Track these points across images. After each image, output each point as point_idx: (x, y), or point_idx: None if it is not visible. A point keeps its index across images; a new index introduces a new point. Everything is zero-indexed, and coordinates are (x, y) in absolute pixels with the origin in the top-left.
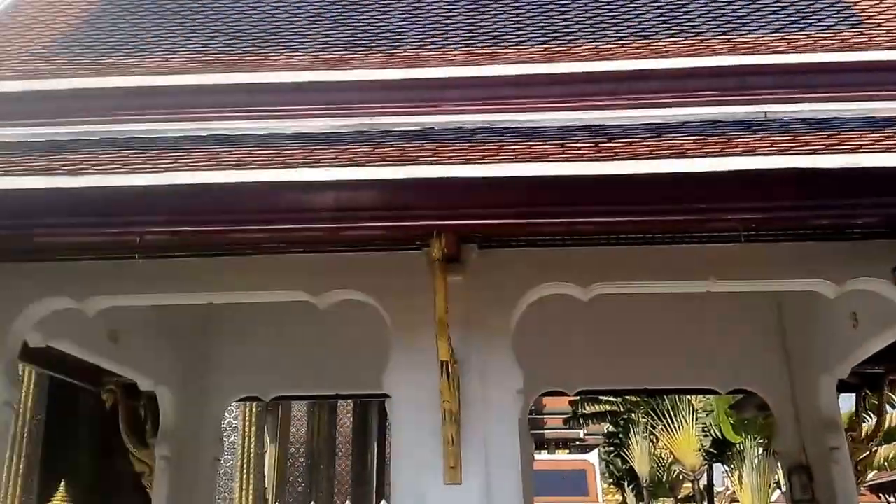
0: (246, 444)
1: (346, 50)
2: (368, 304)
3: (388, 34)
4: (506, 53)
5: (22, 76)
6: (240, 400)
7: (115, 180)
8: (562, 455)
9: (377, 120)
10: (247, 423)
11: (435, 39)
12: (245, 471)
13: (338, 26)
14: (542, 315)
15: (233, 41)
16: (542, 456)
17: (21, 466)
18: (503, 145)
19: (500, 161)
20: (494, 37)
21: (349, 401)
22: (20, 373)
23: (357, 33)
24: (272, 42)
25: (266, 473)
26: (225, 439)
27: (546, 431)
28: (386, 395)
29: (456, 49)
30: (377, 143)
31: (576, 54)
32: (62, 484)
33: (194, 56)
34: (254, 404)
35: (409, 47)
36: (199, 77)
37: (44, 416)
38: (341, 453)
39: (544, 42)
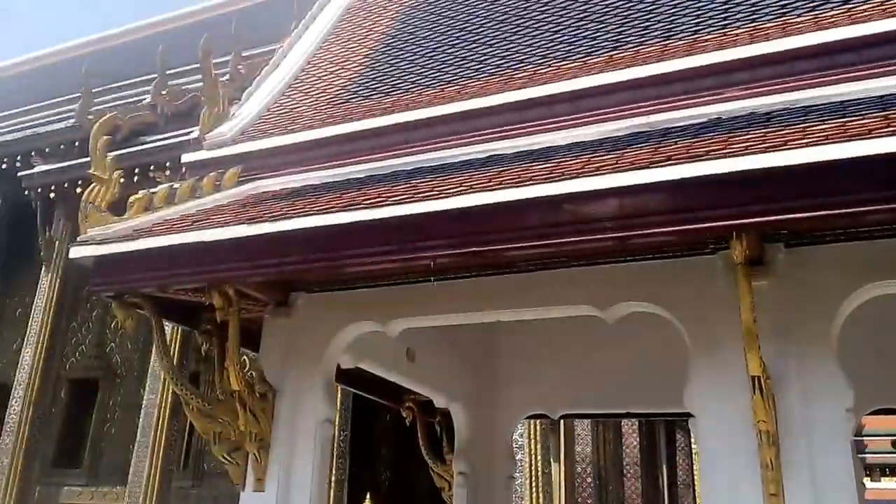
0: (532, 462)
1: (614, 50)
2: (660, 315)
3: (660, 25)
4: (801, 23)
5: (320, 124)
6: (528, 417)
7: (411, 209)
8: (891, 483)
9: (655, 118)
10: (532, 441)
11: (713, 21)
12: (534, 489)
13: (603, 27)
14: (867, 318)
15: (500, 62)
16: (867, 484)
17: (333, 479)
18: (809, 126)
19: (807, 145)
20: (784, 6)
21: (633, 420)
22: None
23: (625, 30)
24: (538, 56)
25: (553, 492)
26: None
27: (867, 455)
28: (681, 414)
29: (739, 27)
30: (659, 141)
31: (889, 10)
32: (367, 497)
33: (467, 83)
34: (537, 422)
35: (684, 35)
36: (474, 102)
37: (349, 432)
38: (630, 474)
39: (845, 2)
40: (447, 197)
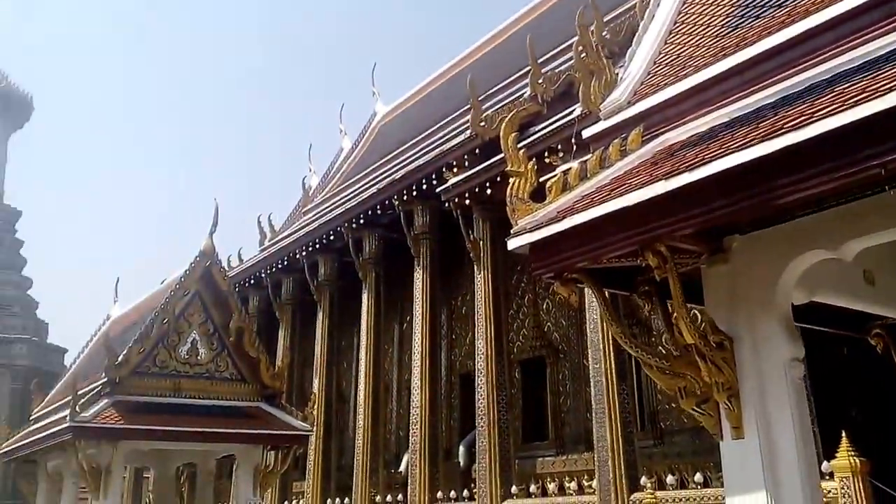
0: None
1: None
2: None
3: None
4: None
5: (713, 60)
6: None
7: (845, 118)
8: None
9: None
10: None
11: None
12: None
13: None
14: None
15: None
16: None
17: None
18: None
19: None
20: None
21: None
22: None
23: None
24: None
25: None
26: None
27: None
28: None
29: None
30: None
31: None
32: (843, 436)
33: None
34: None
35: None
36: None
37: (805, 371)
38: None
39: None
40: (885, 94)
